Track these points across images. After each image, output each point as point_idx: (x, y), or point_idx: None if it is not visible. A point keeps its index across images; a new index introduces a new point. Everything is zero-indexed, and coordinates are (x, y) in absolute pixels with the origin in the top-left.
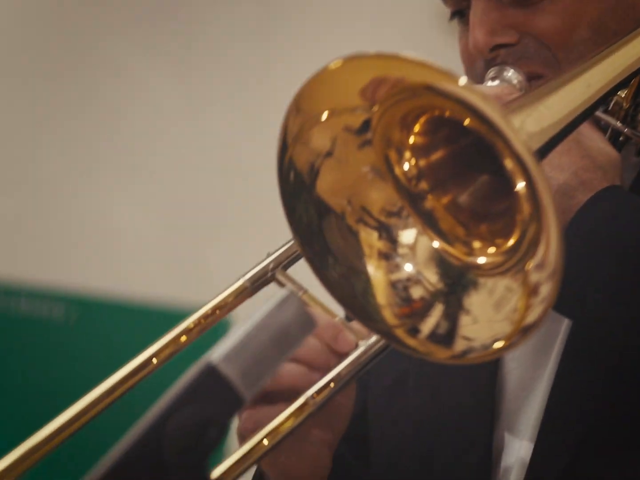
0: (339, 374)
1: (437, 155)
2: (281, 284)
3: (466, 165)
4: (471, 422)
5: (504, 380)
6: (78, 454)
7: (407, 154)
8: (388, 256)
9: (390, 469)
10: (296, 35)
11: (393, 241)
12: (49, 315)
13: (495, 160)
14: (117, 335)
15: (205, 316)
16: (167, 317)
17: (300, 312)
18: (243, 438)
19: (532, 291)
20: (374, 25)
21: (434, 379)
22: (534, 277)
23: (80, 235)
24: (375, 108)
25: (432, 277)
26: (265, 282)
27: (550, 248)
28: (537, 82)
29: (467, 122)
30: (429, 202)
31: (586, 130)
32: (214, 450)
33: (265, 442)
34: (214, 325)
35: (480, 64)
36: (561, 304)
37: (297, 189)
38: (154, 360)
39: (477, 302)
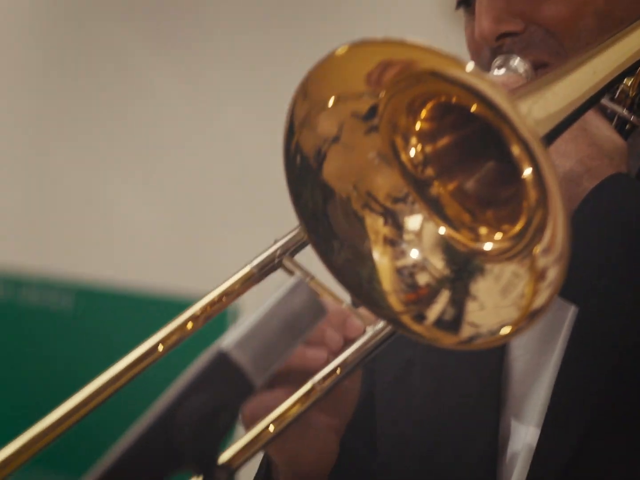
0: (346, 360)
1: (443, 142)
2: (288, 271)
3: (472, 152)
4: (478, 409)
5: (510, 367)
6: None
7: (414, 140)
8: (394, 242)
9: (397, 455)
10: (302, 26)
11: (399, 227)
12: (57, 305)
13: (502, 146)
14: (123, 324)
15: (212, 303)
16: (174, 307)
17: (311, 299)
18: (251, 423)
19: (539, 276)
20: (380, 13)
21: (440, 366)
22: (540, 262)
23: (87, 226)
24: (382, 94)
25: (438, 263)
26: (272, 269)
27: (557, 233)
28: (543, 70)
29: (474, 108)
30: (435, 189)
31: (592, 118)
32: (225, 436)
33: (272, 428)
34: (220, 313)
35: (486, 52)
36: (567, 290)
37: (303, 174)
38: (160, 347)
39: (483, 288)
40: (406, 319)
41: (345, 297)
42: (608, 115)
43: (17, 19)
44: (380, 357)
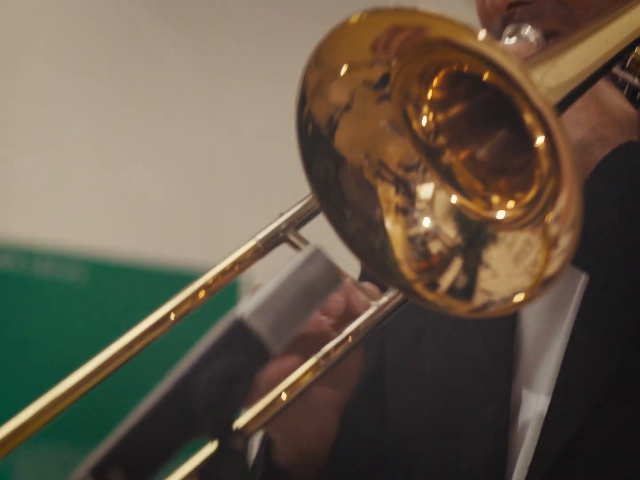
0: (358, 328)
1: (455, 110)
2: (293, 245)
3: (484, 120)
4: (489, 378)
5: (521, 335)
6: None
7: (425, 109)
8: (406, 211)
9: (407, 424)
10: (316, 2)
11: (411, 196)
12: (70, 277)
13: (514, 115)
14: (135, 297)
15: (224, 272)
16: (186, 280)
17: (327, 267)
18: (267, 389)
19: (551, 244)
20: None
21: (450, 335)
22: (553, 230)
23: (100, 199)
24: (394, 63)
25: (450, 231)
26: (277, 243)
27: (569, 201)
28: (555, 39)
29: (485, 77)
30: (447, 157)
31: (604, 87)
32: (242, 403)
33: (284, 396)
34: (232, 281)
35: (497, 21)
36: (579, 258)
37: (315, 142)
38: (172, 316)
39: (496, 256)
40: (419, 288)
41: (356, 267)
42: (619, 84)
43: None
44: (390, 327)
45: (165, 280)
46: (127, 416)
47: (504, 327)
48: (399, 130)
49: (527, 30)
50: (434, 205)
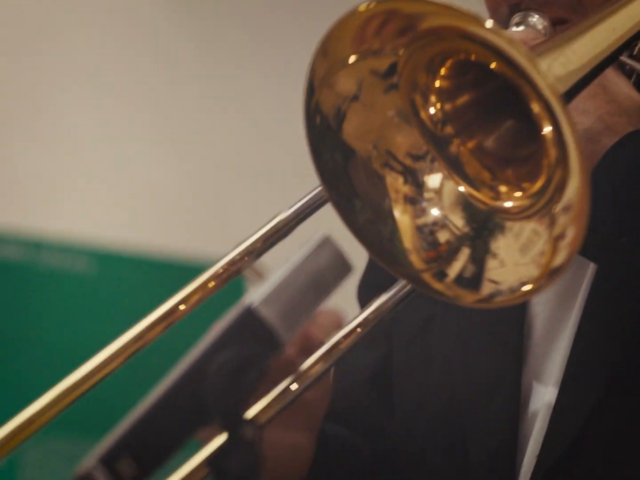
0: (366, 318)
1: (463, 100)
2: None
3: (492, 110)
4: (498, 368)
5: (530, 325)
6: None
7: (433, 98)
8: (414, 200)
9: (416, 414)
10: None
11: (419, 185)
12: (77, 268)
13: (522, 104)
14: (142, 288)
15: (234, 262)
16: (193, 271)
17: (337, 255)
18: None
19: (559, 234)
20: None
21: (459, 325)
22: (560, 220)
23: (106, 189)
24: (402, 51)
25: (458, 221)
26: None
27: (577, 190)
28: (562, 27)
29: (493, 65)
30: (455, 147)
31: (611, 75)
32: (253, 392)
33: (294, 386)
34: (241, 274)
35: (505, 9)
36: (587, 248)
37: (323, 133)
38: (182, 307)
39: (503, 245)
40: (427, 277)
41: (365, 257)
42: (627, 73)
43: None
44: (397, 317)
45: (172, 271)
46: (137, 405)
47: (513, 317)
48: (407, 120)
49: (535, 19)
50: (442, 194)
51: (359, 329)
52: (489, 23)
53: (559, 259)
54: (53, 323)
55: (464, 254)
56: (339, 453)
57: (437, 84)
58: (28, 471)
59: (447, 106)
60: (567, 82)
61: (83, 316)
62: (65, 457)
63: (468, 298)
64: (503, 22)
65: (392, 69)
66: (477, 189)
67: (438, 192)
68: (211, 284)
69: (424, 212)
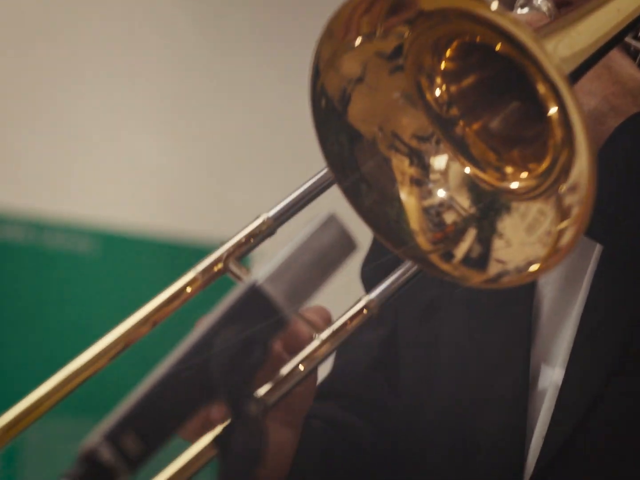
0: (372, 300)
1: (468, 81)
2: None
3: (497, 91)
4: (507, 348)
5: (538, 305)
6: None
7: (439, 80)
8: (420, 182)
9: (422, 394)
10: None
11: (425, 167)
12: (80, 249)
13: (527, 85)
14: (146, 269)
15: (239, 244)
16: (197, 252)
17: (342, 233)
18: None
19: (565, 214)
20: None
21: (467, 307)
22: (566, 200)
23: (110, 171)
24: (407, 33)
25: (464, 202)
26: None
27: (582, 171)
28: (567, 8)
29: (498, 47)
30: (460, 128)
31: (616, 56)
32: (258, 369)
33: (302, 367)
34: (247, 256)
35: None
36: (593, 229)
37: (329, 116)
38: (188, 289)
39: (510, 225)
40: (434, 258)
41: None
42: (631, 54)
43: None
44: (405, 296)
45: (176, 253)
46: (141, 382)
47: (521, 298)
48: (413, 101)
49: (539, 1)
50: (448, 176)
51: (365, 311)
52: (494, 5)
53: (566, 239)
54: (56, 305)
55: (471, 234)
56: (324, 449)
57: (443, 65)
58: (31, 450)
59: (453, 88)
60: (572, 63)
61: (86, 298)
62: (67, 437)
63: (475, 278)
64: (508, 4)
65: (397, 51)
66: (483, 170)
67: (444, 173)
68: (218, 267)
69: (430, 193)
